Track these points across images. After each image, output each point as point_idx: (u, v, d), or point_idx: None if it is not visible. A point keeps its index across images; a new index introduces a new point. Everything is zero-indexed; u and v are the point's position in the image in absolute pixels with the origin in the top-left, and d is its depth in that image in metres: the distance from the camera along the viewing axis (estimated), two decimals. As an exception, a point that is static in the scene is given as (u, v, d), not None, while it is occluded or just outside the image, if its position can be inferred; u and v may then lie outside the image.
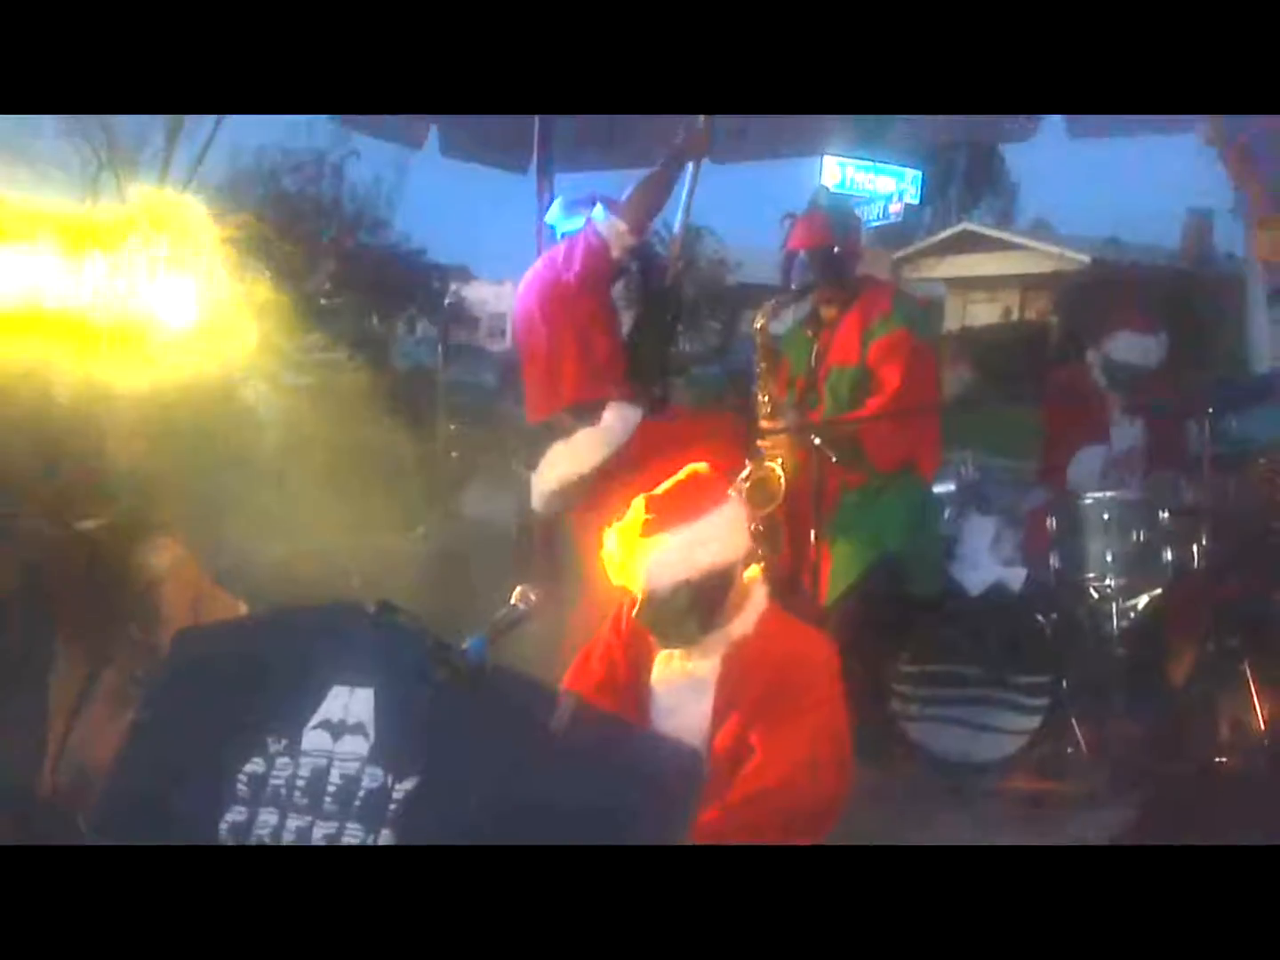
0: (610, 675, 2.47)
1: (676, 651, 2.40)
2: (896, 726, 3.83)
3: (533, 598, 2.23)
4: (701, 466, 2.42)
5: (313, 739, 1.91)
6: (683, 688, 2.37)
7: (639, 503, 2.33)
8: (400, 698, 1.93)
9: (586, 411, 3.74)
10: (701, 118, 3.87)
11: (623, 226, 3.73)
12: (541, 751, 1.85)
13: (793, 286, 3.88)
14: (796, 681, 2.30)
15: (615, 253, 3.76)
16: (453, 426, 4.42)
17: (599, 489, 3.58)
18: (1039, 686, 3.80)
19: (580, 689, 2.35)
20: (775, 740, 2.24)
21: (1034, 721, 3.80)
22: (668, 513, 2.30)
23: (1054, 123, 4.69)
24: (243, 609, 2.82)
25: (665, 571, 2.27)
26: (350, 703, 1.93)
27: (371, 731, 1.91)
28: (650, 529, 2.28)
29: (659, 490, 2.37)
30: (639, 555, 2.27)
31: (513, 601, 2.21)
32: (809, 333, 3.89)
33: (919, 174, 23.02)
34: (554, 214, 4.05)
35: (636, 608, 2.34)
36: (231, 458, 4.23)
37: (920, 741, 3.84)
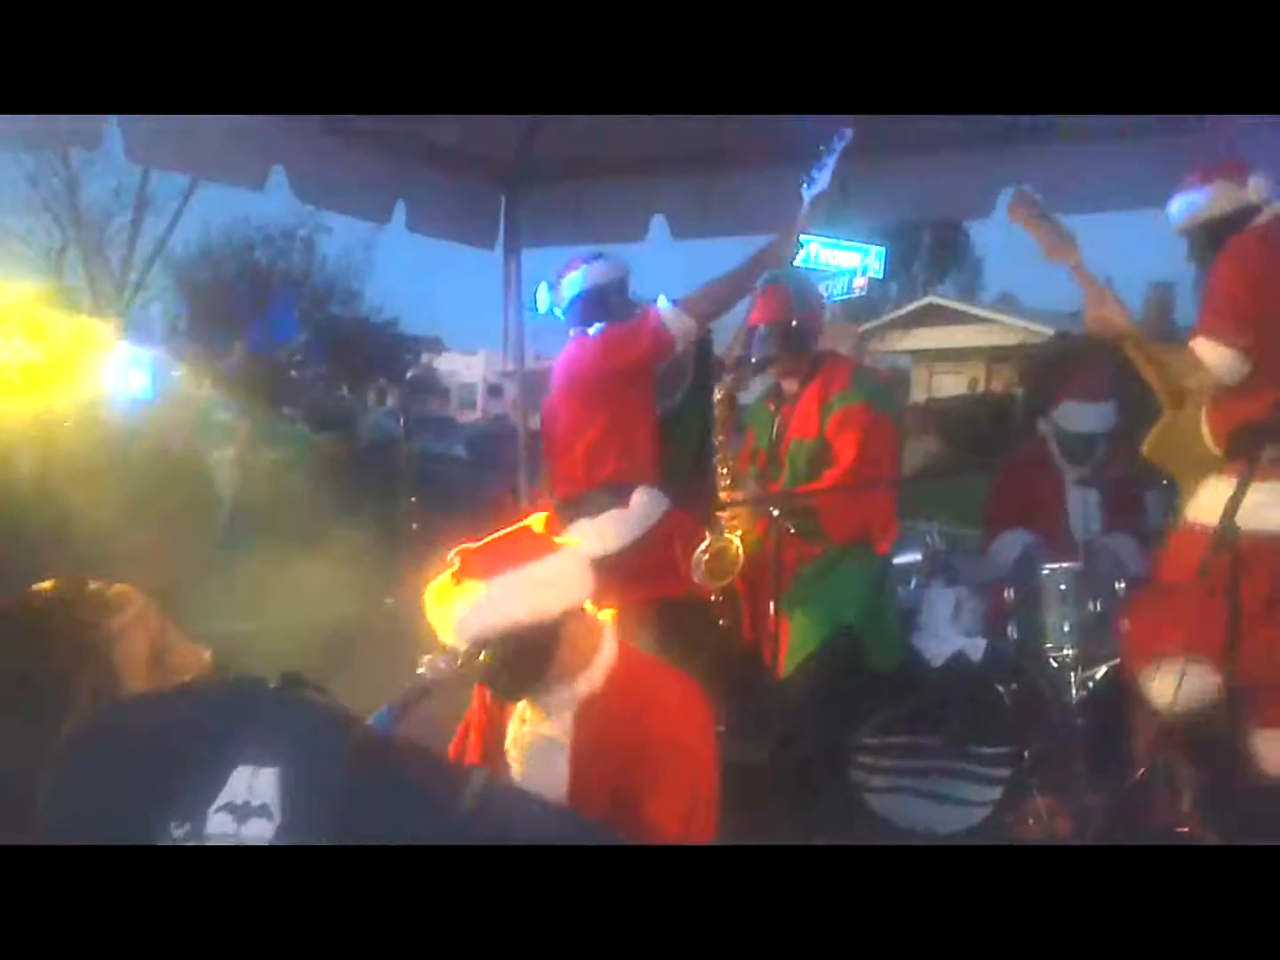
0: (485, 744, 2.43)
1: (527, 715, 2.35)
2: (858, 798, 3.82)
3: (442, 666, 2.15)
4: (535, 521, 2.37)
5: (216, 822, 1.83)
6: (535, 752, 2.32)
7: (454, 554, 2.28)
8: (306, 777, 1.85)
9: (617, 492, 3.74)
10: (797, 232, 3.88)
11: (692, 324, 3.77)
12: (451, 831, 1.79)
13: (753, 360, 3.94)
14: (657, 735, 2.22)
15: (680, 347, 3.81)
16: (413, 499, 4.41)
17: (614, 570, 3.59)
18: (1001, 757, 3.81)
19: (463, 759, 2.33)
20: (650, 799, 2.18)
21: (996, 792, 3.80)
22: (481, 561, 2.24)
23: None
24: (207, 657, 2.78)
25: (473, 619, 2.19)
26: (254, 783, 1.85)
27: (277, 813, 1.82)
28: (460, 575, 2.22)
29: (475, 545, 2.30)
30: (449, 604, 2.22)
31: (419, 671, 2.13)
32: (771, 406, 3.96)
33: (883, 250, 23.43)
34: (544, 300, 4.09)
35: (460, 658, 2.25)
36: (197, 530, 4.22)
37: (883, 813, 3.82)
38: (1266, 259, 3.24)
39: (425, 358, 30.41)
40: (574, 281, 3.96)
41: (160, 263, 23.91)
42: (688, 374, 4.11)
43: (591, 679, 2.30)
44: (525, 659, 2.24)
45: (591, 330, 3.90)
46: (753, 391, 4.20)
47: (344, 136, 4.86)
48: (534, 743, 2.33)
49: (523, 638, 2.21)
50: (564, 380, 3.97)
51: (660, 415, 3.97)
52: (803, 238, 3.90)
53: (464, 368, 38.72)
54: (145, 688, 2.47)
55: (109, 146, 4.21)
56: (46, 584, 2.50)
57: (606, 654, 2.33)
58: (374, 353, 26.80)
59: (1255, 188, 3.30)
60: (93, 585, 2.63)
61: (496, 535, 2.31)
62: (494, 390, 36.99)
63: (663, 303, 3.79)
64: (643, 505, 3.71)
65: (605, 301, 3.92)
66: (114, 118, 3.86)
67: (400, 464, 4.74)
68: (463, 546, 2.27)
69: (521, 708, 2.39)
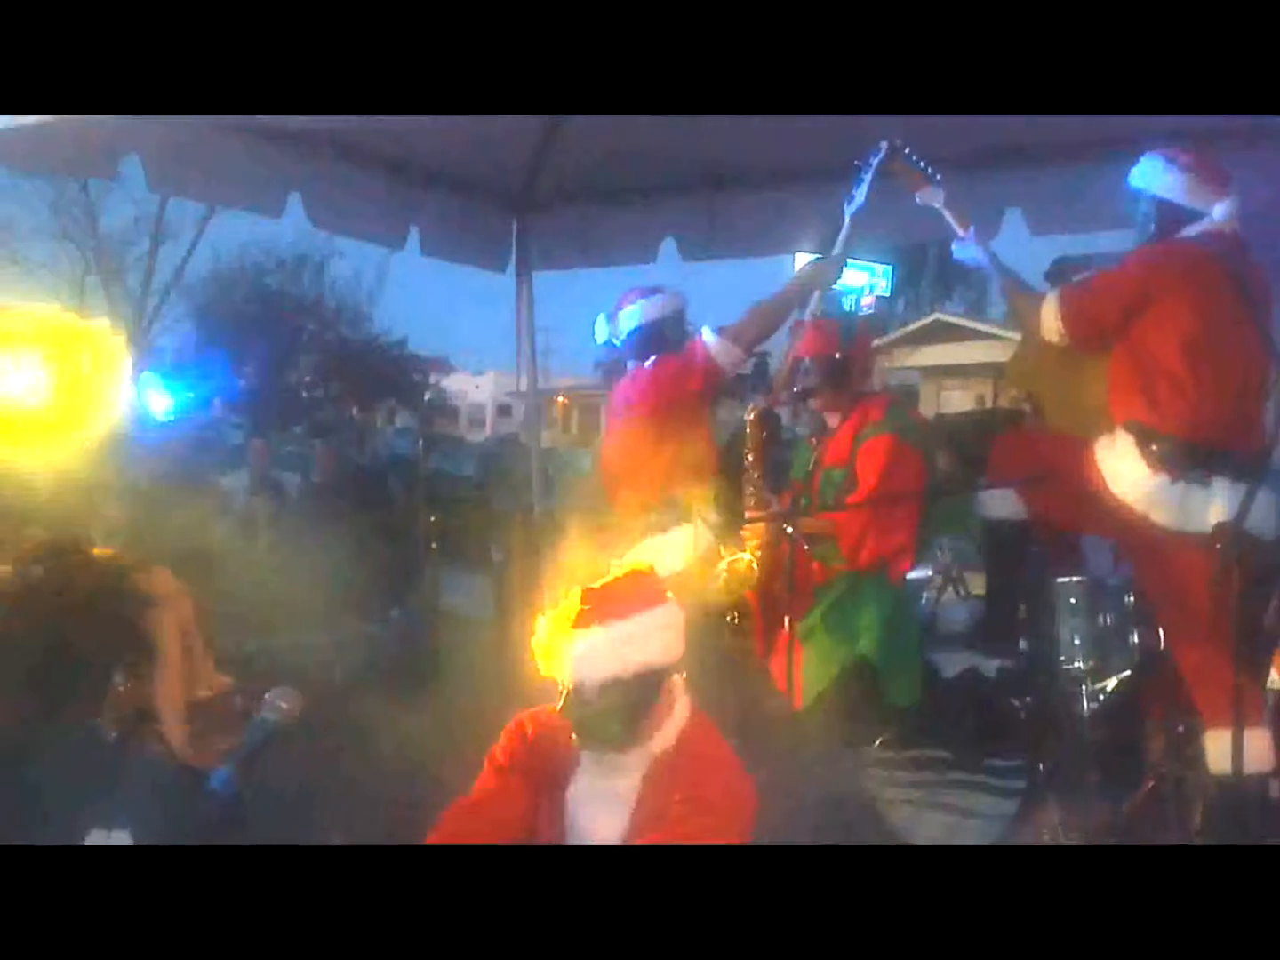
0: (534, 790, 2.40)
1: (595, 768, 2.34)
2: (874, 811, 3.83)
3: (284, 705, 2.01)
4: (644, 565, 2.42)
5: None
6: (600, 804, 2.31)
7: (575, 594, 2.28)
8: (159, 837, 1.75)
9: (682, 511, 3.85)
10: (836, 250, 4.00)
11: (739, 351, 3.87)
12: None
13: (794, 390, 4.06)
14: (705, 798, 2.21)
15: (730, 375, 3.95)
16: (433, 518, 4.48)
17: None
18: (1016, 770, 3.83)
19: (487, 815, 2.32)
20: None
21: (1012, 805, 3.81)
22: (603, 606, 2.25)
23: (1016, 221, 4.88)
24: (227, 681, 2.77)
25: (595, 665, 2.21)
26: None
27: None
28: (583, 620, 2.22)
29: (597, 584, 2.31)
30: (569, 646, 2.21)
31: (260, 715, 1.98)
32: (814, 440, 4.05)
33: (890, 268, 23.50)
34: (601, 331, 4.20)
35: (561, 702, 2.26)
36: (214, 552, 4.28)
37: (900, 826, 3.83)
38: (1156, 282, 3.22)
39: (434, 378, 30.49)
40: (631, 315, 4.05)
41: (177, 289, 24.13)
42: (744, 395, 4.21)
43: (665, 737, 2.32)
44: (633, 705, 2.26)
45: (646, 363, 4.01)
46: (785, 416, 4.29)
47: (359, 163, 4.94)
48: (600, 796, 2.32)
49: (636, 683, 2.23)
50: (623, 412, 4.10)
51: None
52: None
53: (472, 388, 38.85)
54: (178, 671, 2.48)
55: (127, 176, 4.30)
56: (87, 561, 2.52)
57: (679, 713, 2.35)
58: (384, 373, 26.89)
59: (1220, 205, 3.24)
60: (131, 571, 2.66)
61: (616, 578, 2.34)
62: (503, 410, 37.17)
63: (708, 334, 3.89)
64: (706, 523, 3.76)
65: (661, 335, 4.03)
66: (134, 154, 3.96)
67: (418, 483, 4.80)
68: (585, 587, 2.29)
69: (587, 760, 2.37)
